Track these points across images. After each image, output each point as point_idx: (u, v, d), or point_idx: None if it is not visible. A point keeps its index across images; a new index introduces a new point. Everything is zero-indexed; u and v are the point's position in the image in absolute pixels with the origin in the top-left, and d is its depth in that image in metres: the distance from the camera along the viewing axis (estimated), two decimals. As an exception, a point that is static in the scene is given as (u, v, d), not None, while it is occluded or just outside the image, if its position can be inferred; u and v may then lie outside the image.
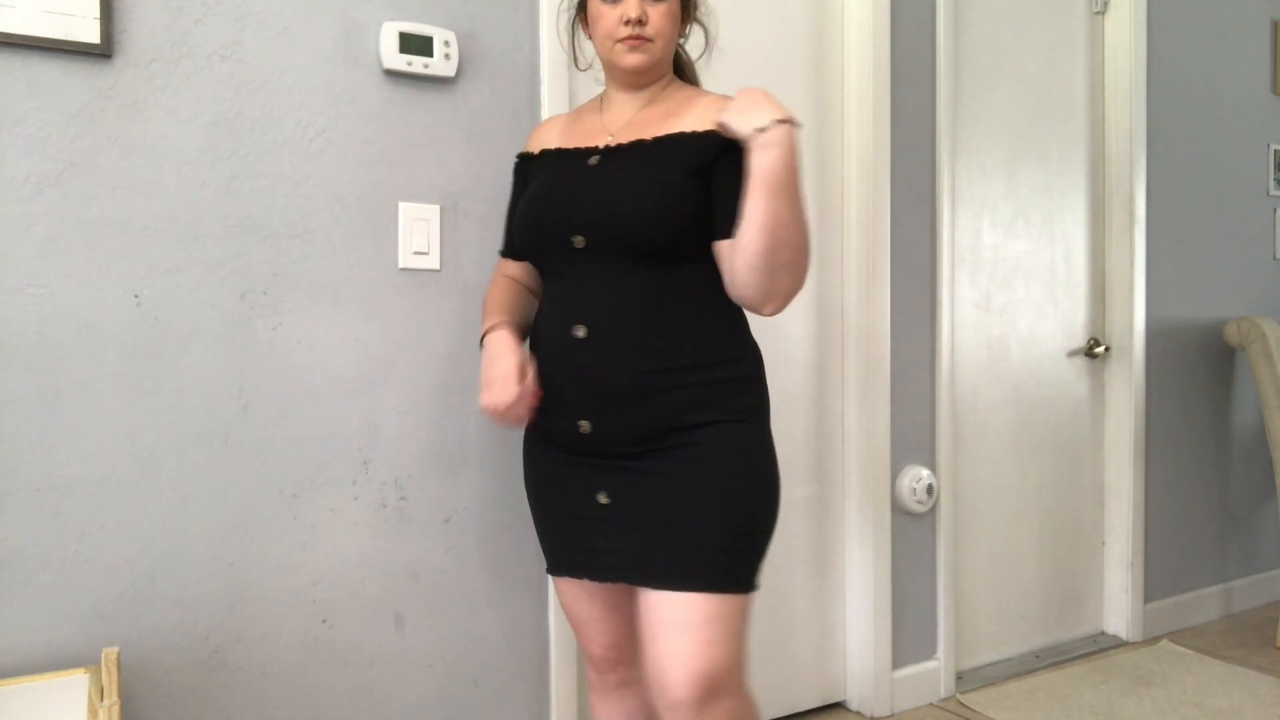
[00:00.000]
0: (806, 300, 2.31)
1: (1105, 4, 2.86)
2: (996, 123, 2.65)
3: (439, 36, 1.76)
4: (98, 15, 1.48)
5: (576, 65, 1.54)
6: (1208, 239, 3.09)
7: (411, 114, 1.76)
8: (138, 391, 1.54)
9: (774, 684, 2.29)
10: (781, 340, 2.27)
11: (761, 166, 1.24)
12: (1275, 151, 3.26)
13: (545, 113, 1.89)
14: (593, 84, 1.98)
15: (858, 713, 2.38)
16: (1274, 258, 3.29)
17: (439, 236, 1.78)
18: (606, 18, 1.36)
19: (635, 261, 1.33)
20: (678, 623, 1.30)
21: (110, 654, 1.34)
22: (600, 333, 1.34)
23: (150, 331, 1.55)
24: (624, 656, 1.53)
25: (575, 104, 1.95)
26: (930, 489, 2.42)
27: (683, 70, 1.53)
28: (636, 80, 1.41)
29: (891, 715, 2.37)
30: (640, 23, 1.33)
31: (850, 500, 2.38)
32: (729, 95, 1.38)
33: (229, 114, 1.60)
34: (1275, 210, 3.29)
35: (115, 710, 1.18)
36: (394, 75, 1.74)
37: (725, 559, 1.31)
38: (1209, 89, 3.08)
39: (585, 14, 1.45)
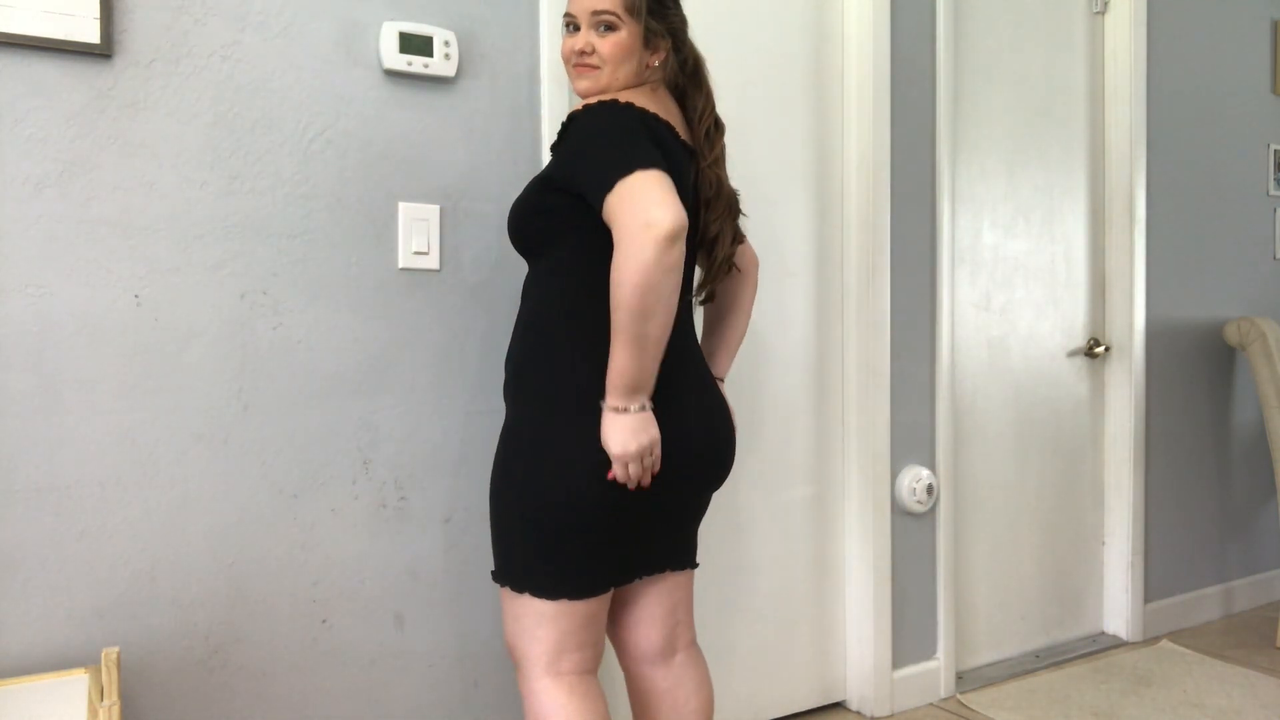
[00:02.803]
0: (806, 300, 2.31)
1: (1105, 4, 2.86)
2: (996, 123, 2.65)
3: (439, 36, 1.76)
4: (98, 15, 1.48)
5: (569, 87, 1.62)
6: (1208, 239, 3.09)
7: (411, 114, 1.76)
8: (138, 391, 1.54)
9: (774, 684, 2.29)
10: (782, 340, 2.28)
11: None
12: (1275, 151, 3.26)
13: (545, 113, 1.89)
14: (593, 84, 1.98)
15: (858, 713, 2.38)
16: (1274, 258, 3.29)
17: (439, 236, 1.78)
18: (565, 44, 1.50)
19: (525, 258, 1.54)
20: (687, 595, 1.61)
21: (110, 654, 1.34)
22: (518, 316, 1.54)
23: (150, 331, 1.55)
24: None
25: (575, 104, 1.95)
26: (930, 489, 2.42)
27: (679, 89, 1.53)
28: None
29: (891, 715, 2.38)
30: (585, 53, 1.45)
31: (850, 500, 2.38)
32: (601, 103, 1.39)
33: (229, 114, 1.60)
34: (1275, 210, 3.29)
35: (115, 710, 1.18)
36: (394, 75, 1.74)
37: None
38: (1209, 89, 3.08)
39: None
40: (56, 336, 1.48)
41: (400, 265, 1.75)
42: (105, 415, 1.51)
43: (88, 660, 1.50)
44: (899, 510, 2.41)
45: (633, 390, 1.32)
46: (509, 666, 1.87)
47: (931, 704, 2.45)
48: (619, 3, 1.43)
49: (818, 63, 2.33)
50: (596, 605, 1.44)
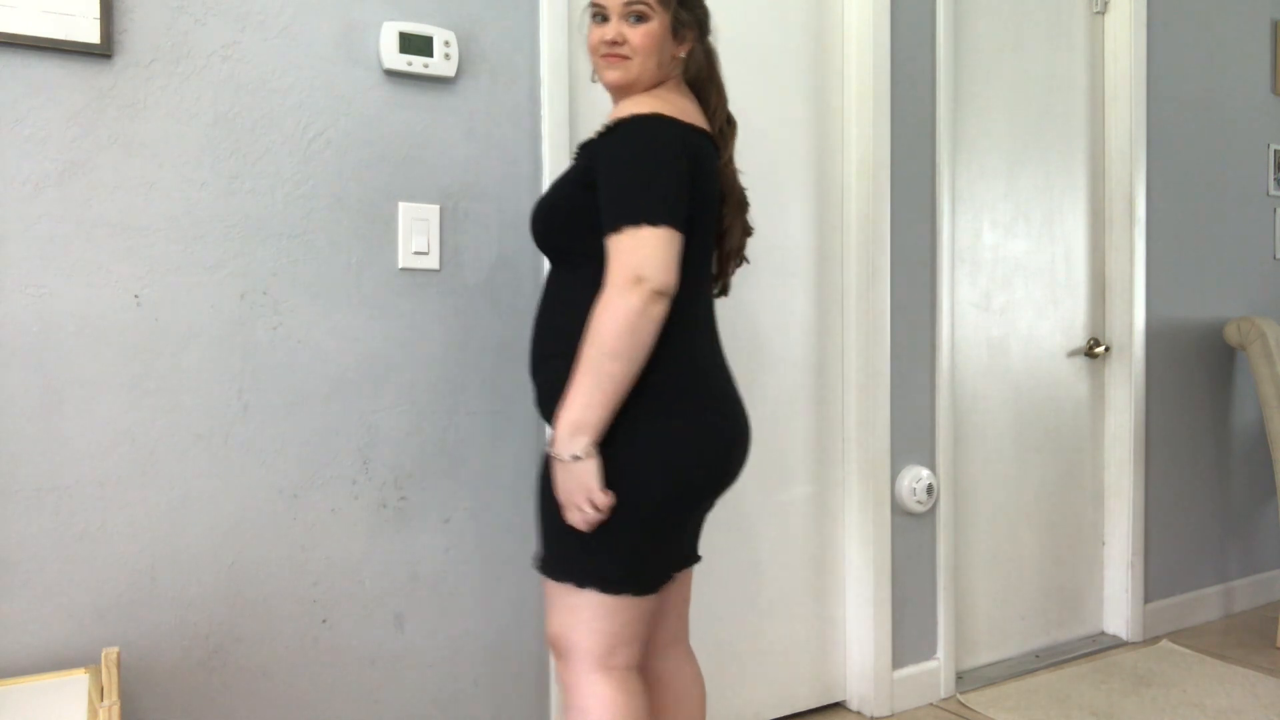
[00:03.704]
0: (806, 300, 2.31)
1: (1105, 4, 2.86)
2: (996, 123, 2.65)
3: (439, 36, 1.76)
4: (98, 15, 1.48)
5: (592, 78, 1.57)
6: (1208, 239, 3.09)
7: (411, 114, 1.76)
8: (138, 391, 1.54)
9: (774, 684, 2.29)
10: (782, 340, 2.27)
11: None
12: (1275, 151, 3.26)
13: (545, 112, 1.89)
14: (594, 83, 1.98)
15: (858, 713, 2.38)
16: (1274, 258, 3.29)
17: (439, 236, 1.78)
18: (593, 35, 1.47)
19: (550, 262, 1.52)
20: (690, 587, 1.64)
21: (110, 654, 1.34)
22: (533, 328, 1.52)
23: (150, 331, 1.55)
24: None
25: (575, 105, 1.96)
26: (930, 489, 2.42)
27: (699, 84, 1.51)
28: (615, 94, 1.49)
29: (891, 715, 2.37)
30: (616, 42, 1.43)
31: (850, 500, 2.38)
32: (647, 99, 1.41)
33: (229, 114, 1.60)
34: (1275, 210, 3.29)
35: (115, 710, 1.18)
36: (394, 75, 1.74)
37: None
38: (1209, 89, 3.08)
39: None
40: (56, 336, 1.48)
41: (400, 265, 1.75)
42: (105, 415, 1.51)
43: (88, 660, 1.50)
44: (899, 510, 2.41)
45: (576, 430, 1.31)
46: (509, 666, 1.88)
47: (931, 704, 2.45)
48: None
49: (818, 63, 2.33)
50: (655, 600, 1.44)
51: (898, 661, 2.40)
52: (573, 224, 1.43)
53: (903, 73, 2.38)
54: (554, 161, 1.89)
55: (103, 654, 1.37)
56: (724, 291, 1.60)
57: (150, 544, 1.55)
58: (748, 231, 1.59)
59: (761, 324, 2.23)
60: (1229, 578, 3.19)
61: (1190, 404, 3.06)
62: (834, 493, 2.38)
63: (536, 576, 1.90)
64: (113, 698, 1.22)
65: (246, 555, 1.63)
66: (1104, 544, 2.94)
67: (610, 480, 1.34)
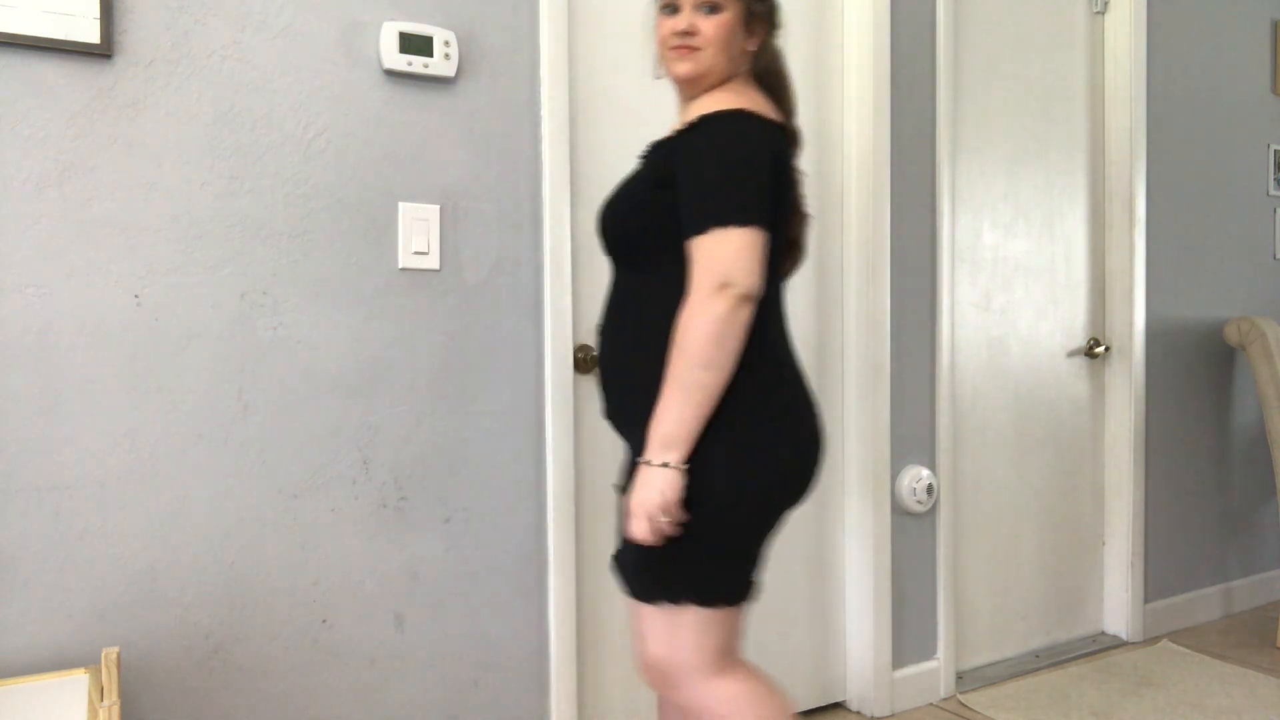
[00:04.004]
0: (806, 300, 2.31)
1: (1105, 4, 2.86)
2: (996, 123, 2.65)
3: (439, 36, 1.76)
4: (98, 15, 1.48)
5: (655, 74, 1.51)
6: (1208, 239, 3.09)
7: (411, 114, 1.76)
8: (138, 391, 1.54)
9: (774, 684, 2.29)
10: (781, 340, 2.27)
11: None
12: (1275, 151, 3.26)
13: (545, 113, 1.89)
14: (594, 83, 1.98)
15: (858, 713, 2.38)
16: (1274, 258, 3.29)
17: (439, 236, 1.78)
18: (662, 27, 1.42)
19: (619, 266, 1.45)
20: None
21: (110, 654, 1.34)
22: (600, 333, 1.48)
23: (150, 331, 1.55)
24: None
25: (575, 105, 1.96)
26: (930, 489, 2.42)
27: (769, 79, 1.46)
28: (686, 88, 1.44)
29: (891, 715, 2.37)
30: (689, 33, 1.38)
31: (850, 500, 2.38)
32: (728, 94, 1.37)
33: (229, 114, 1.60)
34: (1275, 210, 3.29)
35: (115, 710, 1.18)
36: (394, 75, 1.74)
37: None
38: (1209, 89, 3.08)
39: None
40: (56, 336, 1.48)
41: (400, 265, 1.75)
42: (105, 415, 1.51)
43: (88, 660, 1.50)
44: (899, 510, 2.41)
45: (670, 444, 1.28)
46: (509, 666, 1.88)
47: (931, 704, 2.45)
48: None
49: (818, 63, 2.32)
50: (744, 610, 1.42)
51: (898, 661, 2.40)
52: (646, 225, 1.38)
53: (903, 73, 2.38)
54: (554, 161, 1.89)
55: (103, 654, 1.37)
56: None
57: (150, 544, 1.55)
58: (806, 241, 1.54)
59: (761, 324, 2.23)
60: (1229, 578, 3.19)
61: (1190, 404, 3.06)
62: (834, 493, 2.38)
63: (536, 577, 1.90)
64: (113, 698, 1.22)
65: (246, 555, 1.63)
66: (1104, 544, 2.94)
67: (702, 489, 1.29)
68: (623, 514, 1.39)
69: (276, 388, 1.65)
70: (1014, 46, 2.68)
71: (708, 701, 1.35)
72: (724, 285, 1.25)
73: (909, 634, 2.43)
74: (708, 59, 1.39)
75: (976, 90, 2.60)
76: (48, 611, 1.48)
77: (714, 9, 1.38)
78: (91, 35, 1.48)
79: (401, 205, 1.75)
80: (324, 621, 1.70)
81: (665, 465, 1.28)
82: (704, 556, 1.33)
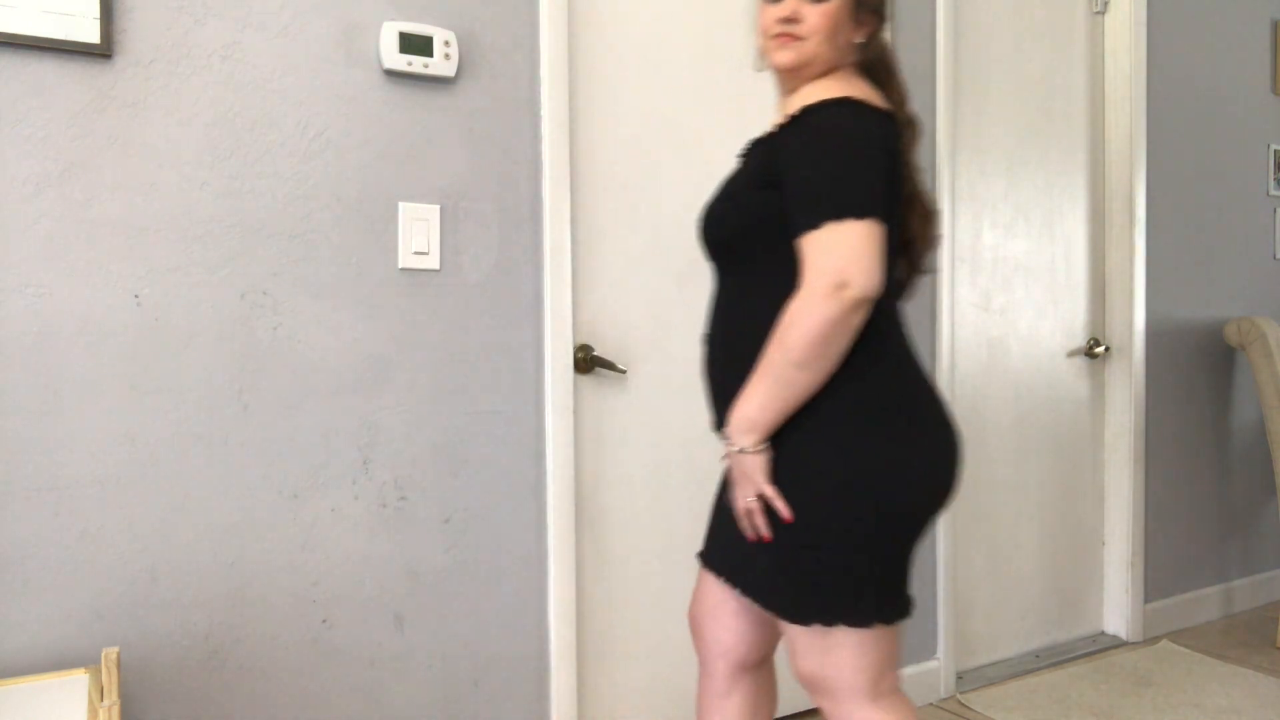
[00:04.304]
0: (806, 300, 2.31)
1: (1105, 4, 2.86)
2: (996, 123, 2.65)
3: (439, 36, 1.76)
4: (98, 15, 1.48)
5: (755, 67, 1.45)
6: (1208, 239, 3.09)
7: (411, 114, 1.76)
8: (138, 391, 1.54)
9: (774, 684, 2.28)
10: (781, 340, 2.27)
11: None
12: (1275, 151, 3.26)
13: (545, 113, 1.89)
14: (594, 83, 1.98)
15: None
16: (1274, 258, 3.29)
17: (439, 236, 1.78)
18: (765, 15, 1.36)
19: (722, 271, 1.40)
20: None
21: (110, 654, 1.34)
22: (706, 342, 1.43)
23: (150, 331, 1.55)
24: None
25: (575, 105, 1.96)
26: (930, 489, 2.42)
27: (876, 72, 1.40)
28: (787, 79, 1.38)
29: (891, 715, 2.37)
30: (792, 20, 1.31)
31: (850, 500, 2.37)
32: (832, 83, 1.31)
33: (229, 114, 1.60)
34: (1275, 210, 3.29)
35: (115, 710, 1.18)
36: (394, 75, 1.74)
37: None
38: (1209, 89, 3.08)
39: None
40: (56, 336, 1.48)
41: (400, 265, 1.75)
42: (105, 415, 1.51)
43: (88, 660, 1.50)
44: (899, 510, 2.40)
45: (750, 429, 1.25)
46: (509, 666, 1.88)
47: (931, 704, 2.45)
48: None
49: (818, 63, 2.32)
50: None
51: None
52: (749, 228, 1.32)
53: (903, 72, 2.38)
54: (554, 161, 1.89)
55: (103, 654, 1.37)
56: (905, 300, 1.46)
57: (150, 544, 1.55)
58: (933, 240, 1.44)
59: (761, 324, 2.23)
60: (1229, 578, 3.19)
61: (1190, 404, 3.06)
62: (834, 493, 2.37)
63: (536, 577, 1.90)
64: (113, 698, 1.22)
65: (246, 555, 1.63)
66: (1104, 544, 2.94)
67: (842, 508, 1.25)
68: (729, 519, 1.37)
69: (276, 388, 1.65)
70: (1014, 46, 2.68)
71: None
72: (841, 286, 1.16)
73: (909, 634, 2.43)
74: (810, 49, 1.32)
75: (976, 90, 2.60)
76: (48, 611, 1.48)
77: None
78: (91, 35, 1.48)
79: (401, 205, 1.75)
80: (324, 622, 1.70)
81: (743, 451, 1.26)
82: (852, 575, 1.27)
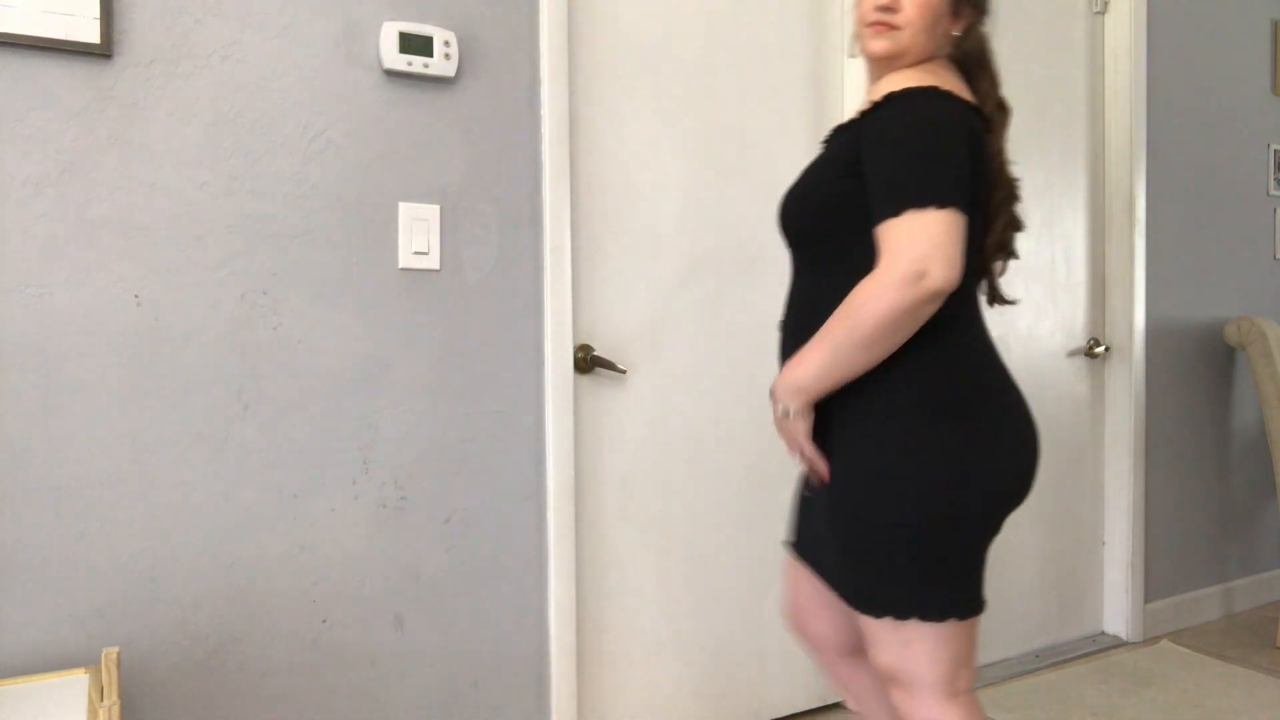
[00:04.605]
0: (806, 300, 2.31)
1: (1105, 4, 2.86)
2: (996, 123, 2.65)
3: (439, 36, 1.76)
4: (98, 15, 1.48)
5: (849, 53, 1.46)
6: (1208, 239, 3.09)
7: (411, 114, 1.76)
8: (138, 391, 1.54)
9: (774, 684, 2.29)
10: (781, 340, 2.27)
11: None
12: (1275, 151, 3.26)
13: (545, 112, 1.89)
14: (594, 83, 1.98)
15: (857, 712, 2.37)
16: (1274, 258, 3.29)
17: (439, 236, 1.78)
18: (863, 3, 1.35)
19: (801, 260, 1.40)
20: None
21: (110, 654, 1.34)
22: (781, 330, 1.43)
23: (150, 331, 1.55)
24: None
25: (575, 104, 1.96)
26: (930, 489, 2.42)
27: (970, 64, 1.40)
28: (877, 67, 1.37)
29: (891, 715, 2.37)
30: (890, 10, 1.31)
31: (850, 500, 2.37)
32: (918, 73, 1.30)
33: (229, 114, 1.60)
34: (1275, 210, 3.29)
35: (115, 710, 1.18)
36: (394, 75, 1.74)
37: None
38: (1209, 89, 3.08)
39: None
40: (56, 336, 1.48)
41: (400, 265, 1.75)
42: (105, 415, 1.51)
43: (88, 660, 1.50)
44: (899, 510, 2.40)
45: (799, 393, 1.27)
46: (509, 666, 1.88)
47: (931, 704, 2.44)
48: None
49: (818, 63, 2.32)
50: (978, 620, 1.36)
51: (898, 661, 2.40)
52: (829, 216, 1.31)
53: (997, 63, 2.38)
54: (554, 161, 1.89)
55: (103, 654, 1.37)
56: (995, 296, 1.45)
57: (150, 544, 1.55)
58: (1017, 226, 1.42)
59: (762, 323, 2.23)
60: (1229, 578, 3.19)
61: (1190, 404, 3.06)
62: (834, 493, 2.37)
63: (536, 577, 1.90)
64: (113, 698, 1.22)
65: (246, 555, 1.63)
66: (1104, 544, 2.94)
67: (912, 498, 1.25)
68: (811, 510, 1.41)
69: (276, 388, 1.65)
70: (1013, 47, 2.68)
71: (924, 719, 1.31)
72: (919, 275, 1.15)
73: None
74: (906, 39, 1.31)
75: (976, 90, 2.60)
76: (48, 611, 1.48)
77: None
78: (91, 35, 1.48)
79: (401, 205, 1.75)
80: (324, 622, 1.70)
81: (787, 414, 1.30)
82: (922, 569, 1.27)
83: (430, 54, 1.75)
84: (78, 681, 1.36)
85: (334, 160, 1.69)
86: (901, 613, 1.28)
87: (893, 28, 1.31)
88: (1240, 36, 3.16)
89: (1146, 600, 2.93)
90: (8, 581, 1.45)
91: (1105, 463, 2.93)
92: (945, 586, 1.28)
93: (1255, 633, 2.98)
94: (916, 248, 1.15)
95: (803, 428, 1.31)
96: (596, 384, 2.01)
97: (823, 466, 1.32)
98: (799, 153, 2.29)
